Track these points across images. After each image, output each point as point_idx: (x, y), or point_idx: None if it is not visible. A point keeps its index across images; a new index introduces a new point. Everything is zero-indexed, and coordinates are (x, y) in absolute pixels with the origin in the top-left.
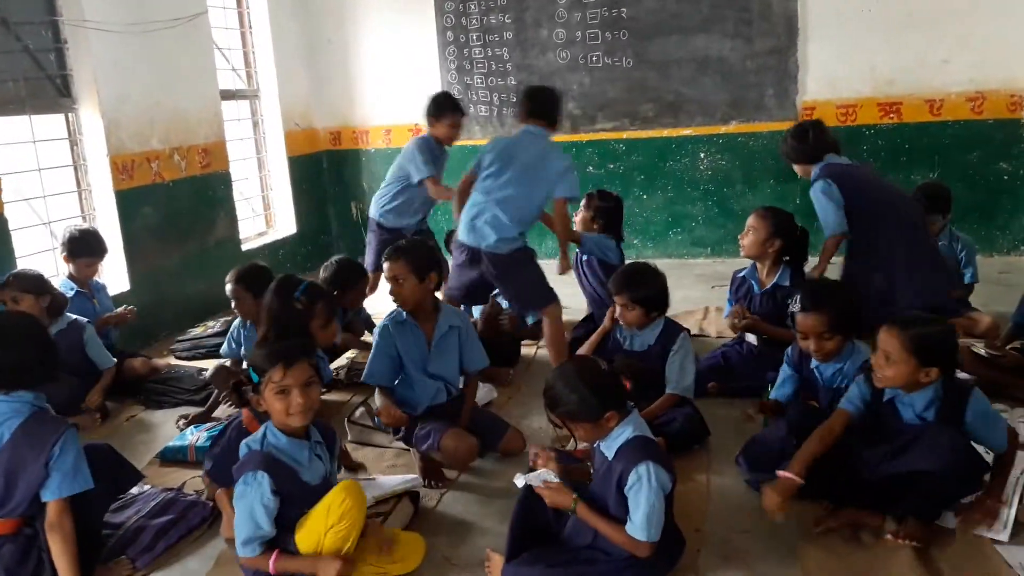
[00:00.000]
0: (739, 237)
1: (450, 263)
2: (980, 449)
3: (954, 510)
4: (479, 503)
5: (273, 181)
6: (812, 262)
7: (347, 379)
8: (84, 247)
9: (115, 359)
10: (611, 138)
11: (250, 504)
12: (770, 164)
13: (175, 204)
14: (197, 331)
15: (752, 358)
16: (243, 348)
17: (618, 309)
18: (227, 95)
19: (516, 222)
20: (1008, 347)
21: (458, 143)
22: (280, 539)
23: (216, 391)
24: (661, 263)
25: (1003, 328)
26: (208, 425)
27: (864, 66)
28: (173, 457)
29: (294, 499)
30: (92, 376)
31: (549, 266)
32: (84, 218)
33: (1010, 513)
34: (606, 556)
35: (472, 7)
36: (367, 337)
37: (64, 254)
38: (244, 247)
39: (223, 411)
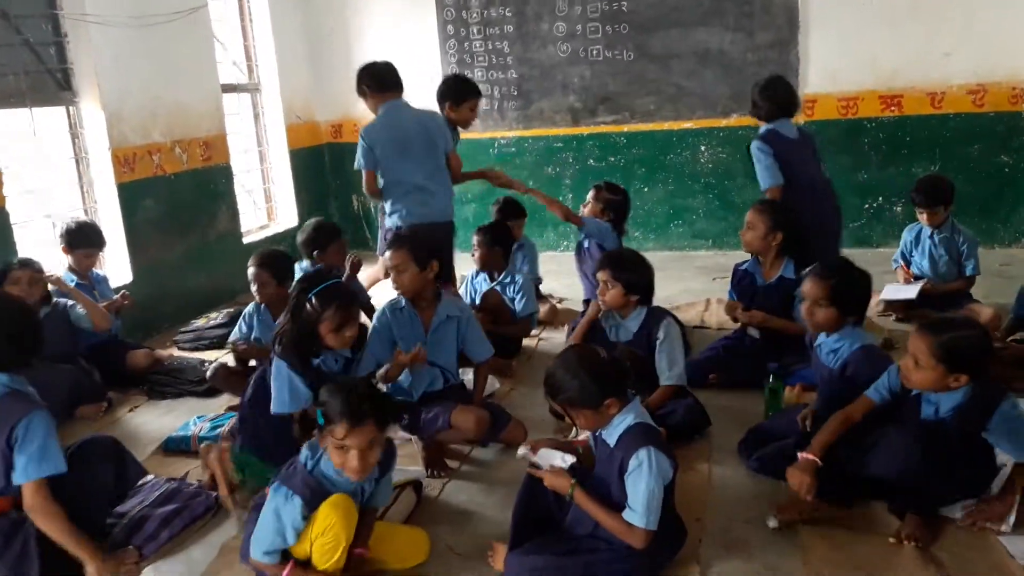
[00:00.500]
0: (740, 233)
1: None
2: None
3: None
4: (482, 492)
5: (274, 174)
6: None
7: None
8: (82, 238)
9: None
10: (612, 131)
11: (279, 520)
12: None
13: (177, 197)
14: (199, 323)
15: (753, 349)
16: (254, 332)
17: (601, 287)
18: (228, 88)
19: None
20: (1009, 339)
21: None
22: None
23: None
24: (662, 255)
25: (1004, 320)
26: (211, 415)
27: (865, 59)
28: (176, 447)
29: None
30: (77, 358)
31: (549, 257)
32: (86, 211)
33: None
34: (608, 545)
35: (473, 0)
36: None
37: (63, 246)
38: (245, 240)
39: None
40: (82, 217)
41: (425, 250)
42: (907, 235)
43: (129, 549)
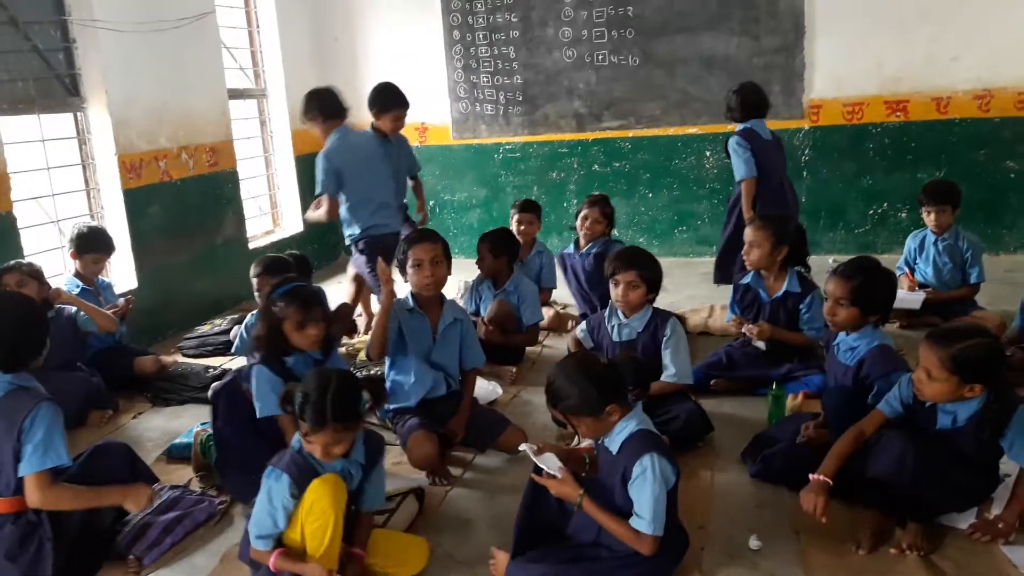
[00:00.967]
0: (743, 253)
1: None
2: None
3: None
4: (484, 501)
5: (280, 180)
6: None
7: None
8: (91, 243)
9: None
10: (617, 136)
11: (270, 502)
12: None
13: (183, 203)
14: (204, 329)
15: (756, 356)
16: None
17: (620, 289)
18: (235, 94)
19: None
20: (1014, 347)
21: (464, 142)
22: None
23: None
24: (666, 261)
25: (1009, 327)
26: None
27: (871, 64)
28: (180, 454)
29: None
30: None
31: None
32: (92, 216)
33: None
34: (610, 552)
35: (479, 6)
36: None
37: (72, 251)
38: (251, 246)
39: None
40: (92, 222)
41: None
42: (911, 242)
43: (129, 560)
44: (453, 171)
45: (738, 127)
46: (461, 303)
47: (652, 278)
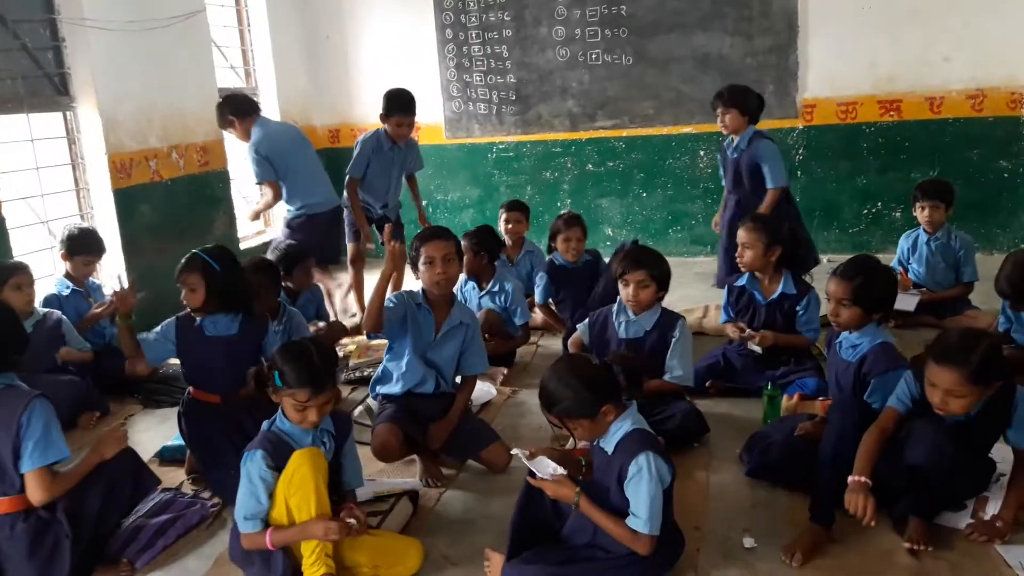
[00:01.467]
0: (737, 256)
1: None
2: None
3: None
4: (478, 502)
5: None
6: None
7: (346, 379)
8: (82, 245)
9: (89, 347)
10: (611, 136)
11: (250, 480)
12: None
13: (173, 202)
14: None
15: (752, 358)
16: None
17: (630, 289)
18: (225, 93)
19: None
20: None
21: (457, 141)
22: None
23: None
24: None
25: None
26: None
27: (864, 63)
28: (172, 457)
29: None
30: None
31: None
32: (82, 216)
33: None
34: (606, 554)
35: (471, 4)
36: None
37: (62, 252)
38: (242, 245)
39: None
40: (83, 224)
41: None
42: (904, 242)
43: (122, 563)
44: (446, 171)
45: (755, 129)
46: None
47: (662, 276)
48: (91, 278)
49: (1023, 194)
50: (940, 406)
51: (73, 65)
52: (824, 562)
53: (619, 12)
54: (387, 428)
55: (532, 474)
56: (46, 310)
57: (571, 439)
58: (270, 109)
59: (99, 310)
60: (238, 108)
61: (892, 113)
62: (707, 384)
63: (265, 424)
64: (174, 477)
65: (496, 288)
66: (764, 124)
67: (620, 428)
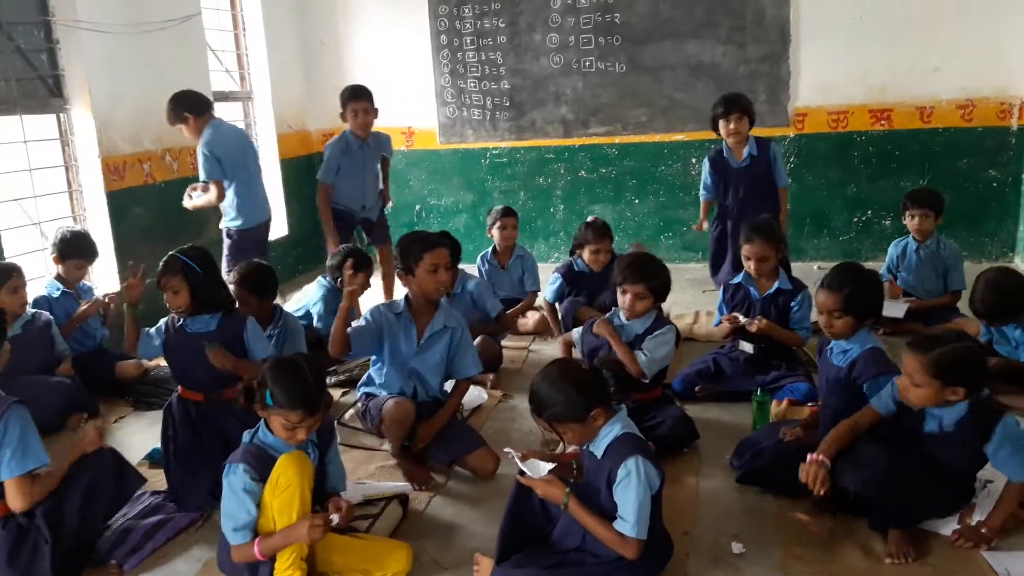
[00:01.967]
0: (747, 266)
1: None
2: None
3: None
4: (468, 506)
5: (266, 183)
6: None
7: (335, 381)
8: (75, 249)
9: (67, 348)
10: (604, 143)
11: (235, 493)
12: None
13: (167, 205)
14: None
15: (743, 363)
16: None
17: (627, 298)
18: (220, 97)
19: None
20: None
21: (451, 146)
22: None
23: None
24: None
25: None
26: None
27: (856, 73)
28: (161, 459)
29: None
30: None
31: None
32: (75, 219)
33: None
34: (595, 558)
35: (466, 11)
36: None
37: (54, 255)
38: None
39: None
40: (76, 227)
41: None
42: (893, 250)
43: (111, 565)
44: (440, 176)
45: (757, 136)
46: None
47: (660, 288)
48: (83, 281)
49: (1012, 203)
50: (902, 391)
51: (67, 67)
52: (811, 567)
53: (613, 20)
54: (400, 399)
55: (523, 473)
56: (35, 311)
57: (561, 443)
58: (265, 113)
59: (86, 308)
60: (194, 105)
61: (883, 122)
62: (696, 389)
63: (246, 435)
64: (164, 480)
65: (459, 291)
66: (756, 132)
67: (610, 432)
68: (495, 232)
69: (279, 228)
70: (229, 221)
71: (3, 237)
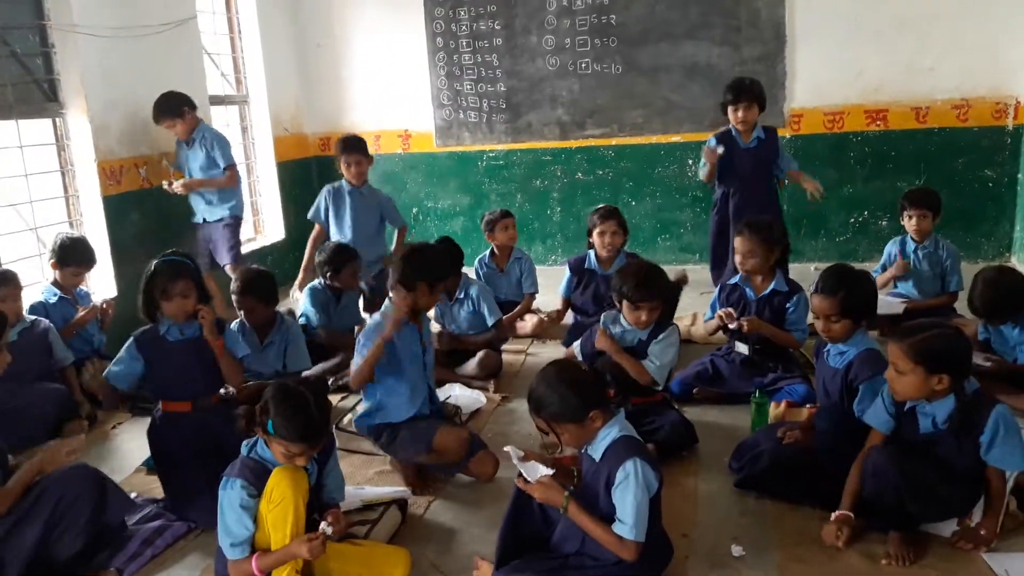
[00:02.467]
0: (738, 263)
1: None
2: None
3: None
4: (467, 511)
5: (262, 187)
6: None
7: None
8: (73, 256)
9: (72, 356)
10: (600, 144)
11: (231, 509)
12: None
13: (163, 210)
14: None
15: (740, 365)
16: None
17: (642, 314)
18: (216, 100)
19: None
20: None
21: (447, 149)
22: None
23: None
24: None
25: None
26: None
27: (851, 73)
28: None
29: None
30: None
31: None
32: (71, 223)
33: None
34: (594, 562)
35: (462, 13)
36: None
37: (52, 261)
38: None
39: None
40: (74, 233)
41: None
42: (891, 247)
43: (109, 571)
44: (436, 178)
45: (763, 125)
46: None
47: (671, 297)
48: (81, 287)
49: (1007, 203)
50: (890, 384)
51: (63, 71)
52: (810, 569)
53: (608, 22)
54: (444, 428)
55: (522, 476)
56: (33, 318)
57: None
58: (261, 117)
59: (83, 314)
60: (189, 101)
61: (878, 123)
62: (694, 391)
63: (244, 448)
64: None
65: (463, 296)
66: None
67: (608, 435)
68: (498, 234)
69: (276, 232)
70: (227, 208)
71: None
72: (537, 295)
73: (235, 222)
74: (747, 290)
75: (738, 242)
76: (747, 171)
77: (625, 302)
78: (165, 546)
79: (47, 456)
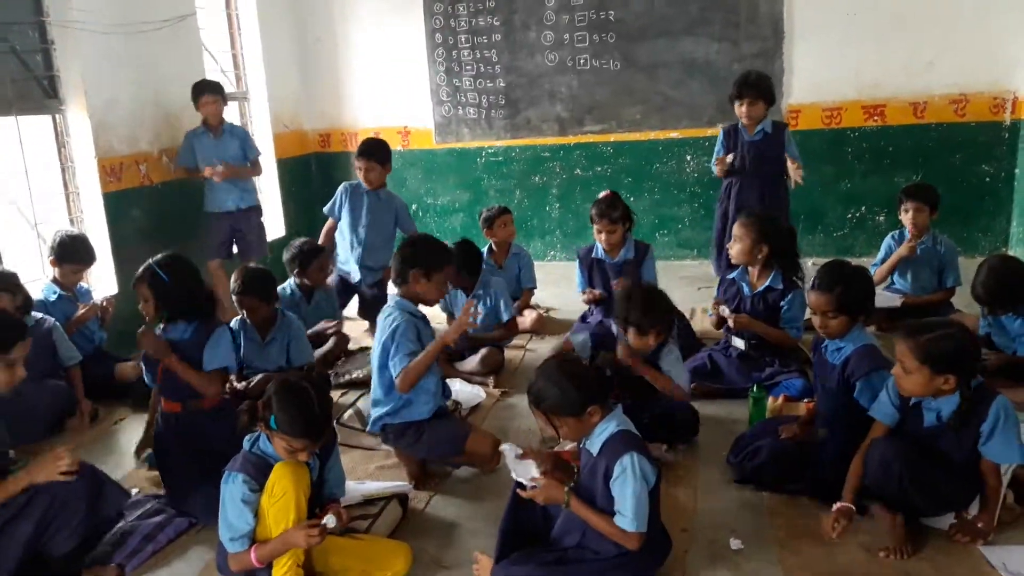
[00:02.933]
0: (728, 246)
1: None
2: None
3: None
4: (468, 506)
5: (262, 183)
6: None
7: (335, 381)
8: (72, 254)
9: (80, 356)
10: (598, 140)
11: (232, 503)
12: None
13: (163, 207)
14: None
15: (738, 360)
16: (241, 351)
17: (650, 339)
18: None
19: None
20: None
21: (447, 145)
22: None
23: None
24: None
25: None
26: None
27: (849, 69)
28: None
29: None
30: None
31: (536, 267)
32: (72, 220)
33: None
34: (595, 554)
35: (461, 9)
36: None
37: (52, 258)
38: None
39: None
40: (74, 231)
41: None
42: (889, 241)
43: (111, 566)
44: (436, 175)
45: (773, 119)
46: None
47: (671, 324)
48: (81, 284)
49: (1005, 198)
50: (897, 380)
51: (62, 68)
52: (809, 562)
53: (607, 17)
54: (476, 435)
55: (521, 487)
56: (39, 316)
57: (558, 440)
58: (261, 113)
59: (84, 312)
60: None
61: (876, 118)
62: (692, 386)
63: (246, 443)
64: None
65: (480, 291)
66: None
67: (606, 429)
68: (496, 230)
69: (277, 229)
70: (258, 197)
71: (0, 240)
72: (536, 290)
73: (261, 209)
74: (743, 285)
75: (735, 228)
76: (749, 164)
77: (632, 329)
78: (167, 541)
79: (38, 469)
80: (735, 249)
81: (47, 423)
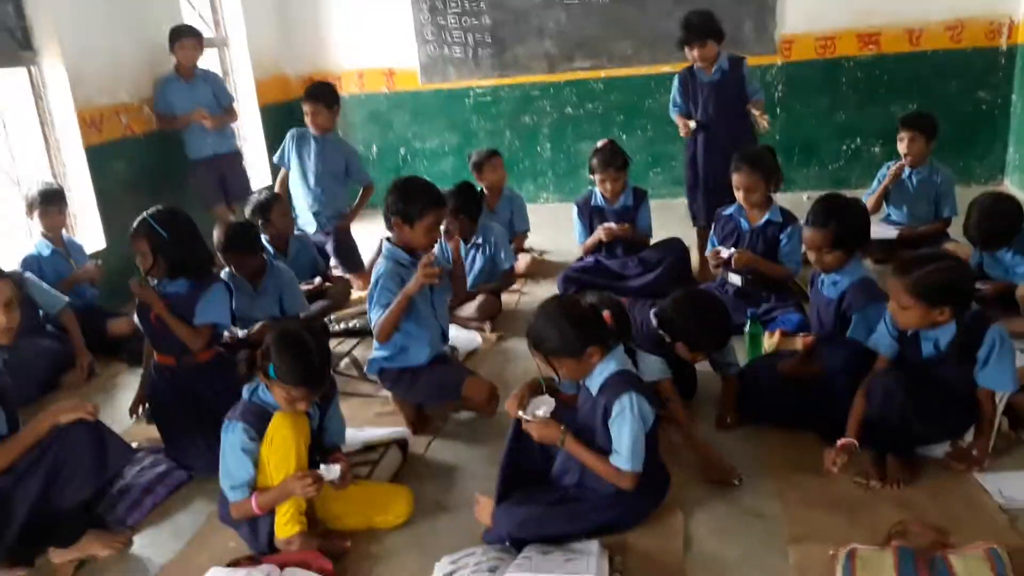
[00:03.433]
0: (738, 196)
1: None
2: None
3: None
4: (467, 449)
5: (246, 131)
6: (790, 198)
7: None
8: (39, 198)
9: (66, 298)
10: (589, 77)
11: (232, 452)
12: None
13: (147, 159)
14: None
15: (733, 297)
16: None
17: (695, 356)
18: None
19: None
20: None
21: (433, 86)
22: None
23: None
24: None
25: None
26: None
27: None
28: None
29: None
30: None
31: (529, 210)
32: (55, 175)
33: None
34: (594, 493)
35: None
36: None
37: (26, 211)
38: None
39: None
40: (43, 180)
41: None
42: (884, 172)
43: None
44: (423, 117)
45: (729, 54)
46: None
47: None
48: (69, 235)
49: (1001, 125)
50: (893, 315)
51: (34, 17)
52: (807, 494)
53: None
54: (471, 378)
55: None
56: (11, 270)
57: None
58: (241, 59)
59: (79, 274)
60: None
61: (871, 46)
62: None
63: (245, 392)
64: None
65: (480, 240)
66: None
67: (605, 369)
68: (486, 174)
69: (263, 178)
70: (235, 143)
71: None
72: (529, 233)
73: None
74: (741, 221)
75: (736, 178)
76: (712, 105)
77: (684, 346)
78: (167, 493)
79: (62, 410)
80: (754, 196)
81: (40, 382)
